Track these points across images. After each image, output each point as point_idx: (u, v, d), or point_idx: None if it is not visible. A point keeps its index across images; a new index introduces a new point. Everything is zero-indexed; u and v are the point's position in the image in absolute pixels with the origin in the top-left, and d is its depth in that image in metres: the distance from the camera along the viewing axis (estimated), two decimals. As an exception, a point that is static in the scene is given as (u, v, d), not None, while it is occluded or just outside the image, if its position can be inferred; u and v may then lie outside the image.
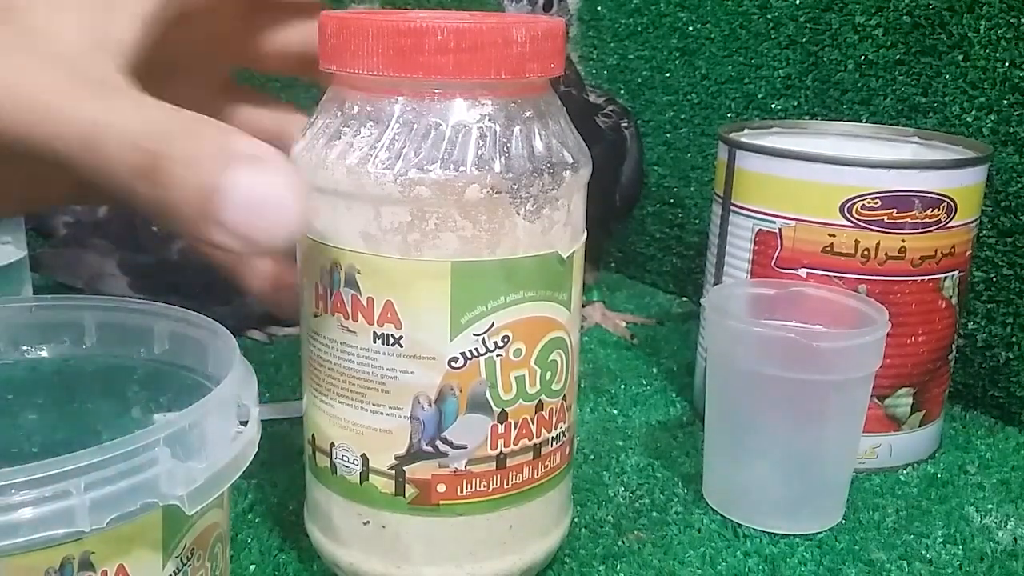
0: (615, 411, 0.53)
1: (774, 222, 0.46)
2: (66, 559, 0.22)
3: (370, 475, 0.34)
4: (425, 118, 0.31)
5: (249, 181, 0.27)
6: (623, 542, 0.41)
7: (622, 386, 0.57)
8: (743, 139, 0.49)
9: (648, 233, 0.76)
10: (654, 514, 0.43)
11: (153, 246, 0.59)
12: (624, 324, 0.66)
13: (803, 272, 0.46)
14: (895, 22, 0.56)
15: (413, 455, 0.33)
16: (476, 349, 0.32)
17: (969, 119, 0.53)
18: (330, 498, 0.35)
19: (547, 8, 0.56)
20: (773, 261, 0.46)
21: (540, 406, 0.34)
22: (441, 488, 0.34)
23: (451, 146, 0.31)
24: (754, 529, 0.42)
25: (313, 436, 0.35)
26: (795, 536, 0.41)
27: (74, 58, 0.28)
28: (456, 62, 0.30)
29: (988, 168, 0.47)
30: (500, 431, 0.34)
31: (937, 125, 0.55)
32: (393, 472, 0.33)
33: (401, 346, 0.32)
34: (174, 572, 0.25)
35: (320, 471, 0.35)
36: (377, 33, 0.30)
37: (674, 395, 0.56)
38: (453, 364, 0.32)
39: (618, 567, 0.39)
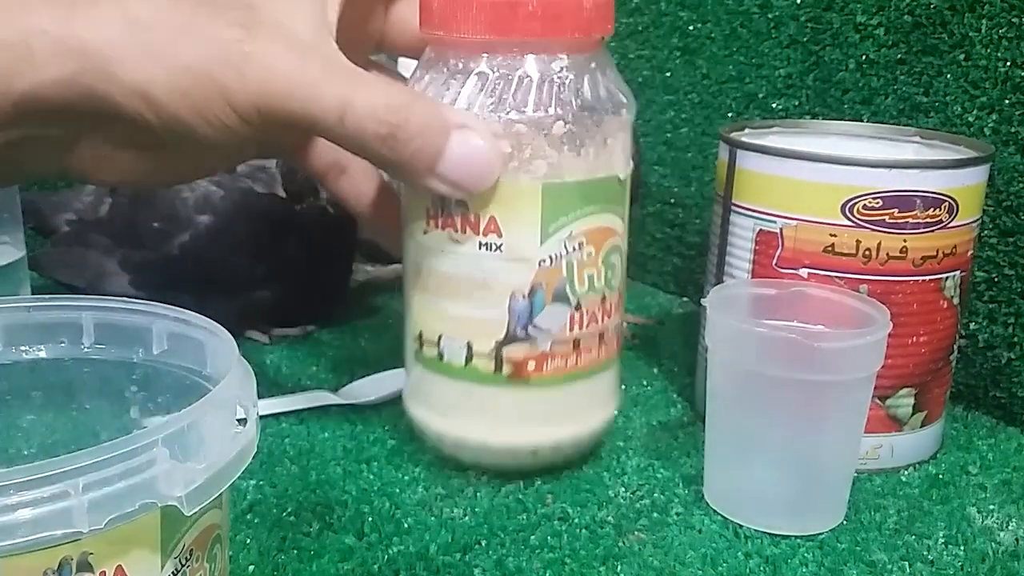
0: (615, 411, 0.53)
1: (775, 222, 0.46)
2: (64, 560, 0.22)
3: (474, 358, 0.42)
4: (517, 71, 0.39)
5: (461, 145, 0.37)
6: (624, 543, 0.41)
7: (622, 386, 0.56)
8: (744, 139, 0.49)
9: (649, 233, 0.76)
10: (655, 515, 0.43)
11: (154, 242, 0.59)
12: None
13: (804, 272, 0.46)
14: (896, 21, 0.56)
15: (509, 339, 0.41)
16: (559, 252, 0.40)
17: (971, 119, 0.53)
18: (436, 380, 0.43)
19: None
20: (774, 261, 0.46)
21: (603, 298, 0.42)
22: (531, 365, 0.42)
23: (539, 92, 0.39)
24: (755, 530, 0.42)
25: (421, 332, 0.43)
26: (796, 537, 0.41)
27: (315, 45, 0.36)
28: (542, 26, 0.38)
29: (990, 168, 0.47)
30: (576, 318, 0.42)
31: (938, 125, 0.55)
32: (493, 354, 0.41)
33: (502, 251, 0.40)
34: (173, 573, 0.25)
35: (428, 360, 0.43)
36: (479, 4, 0.38)
37: (674, 395, 0.56)
38: (542, 264, 0.40)
39: (619, 568, 0.39)
